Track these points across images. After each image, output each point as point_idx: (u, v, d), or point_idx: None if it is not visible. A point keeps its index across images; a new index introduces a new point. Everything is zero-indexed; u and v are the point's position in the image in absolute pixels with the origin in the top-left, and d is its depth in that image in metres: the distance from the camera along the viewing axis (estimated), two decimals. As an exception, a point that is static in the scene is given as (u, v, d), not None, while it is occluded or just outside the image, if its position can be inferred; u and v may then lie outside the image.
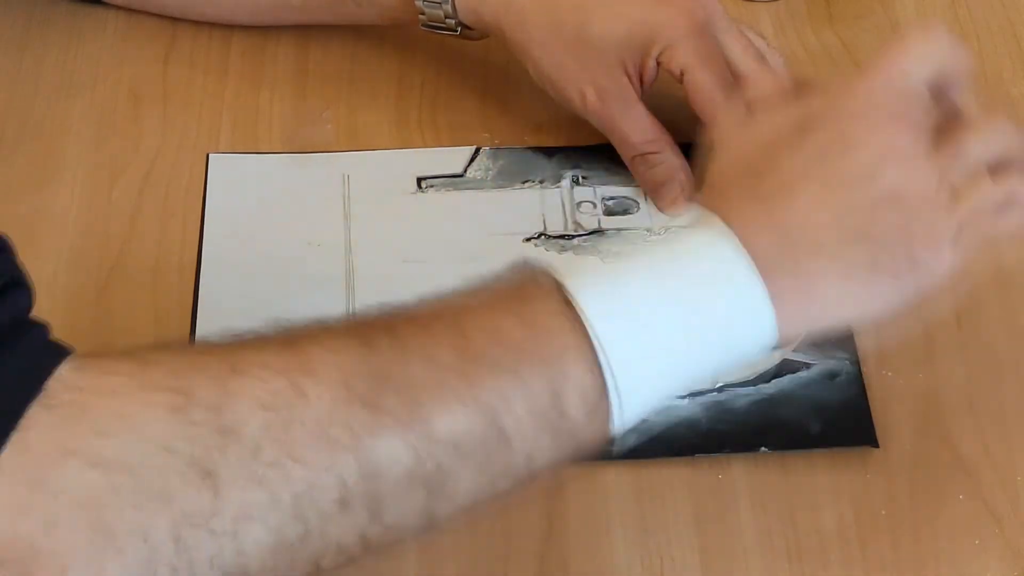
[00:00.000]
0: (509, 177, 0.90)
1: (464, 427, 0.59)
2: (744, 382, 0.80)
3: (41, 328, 0.59)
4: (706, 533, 0.75)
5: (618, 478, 0.77)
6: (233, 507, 0.56)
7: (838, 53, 0.97)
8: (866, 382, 0.80)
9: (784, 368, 0.81)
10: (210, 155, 0.91)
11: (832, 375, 0.81)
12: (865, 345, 0.82)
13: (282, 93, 0.95)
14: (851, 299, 0.65)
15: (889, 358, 0.82)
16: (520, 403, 0.60)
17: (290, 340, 0.60)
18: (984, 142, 0.67)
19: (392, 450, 0.58)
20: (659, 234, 0.65)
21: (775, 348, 0.65)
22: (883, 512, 0.76)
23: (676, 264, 0.64)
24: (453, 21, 0.89)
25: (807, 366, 0.81)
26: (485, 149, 0.92)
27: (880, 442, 0.78)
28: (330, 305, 0.84)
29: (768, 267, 0.63)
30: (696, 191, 0.70)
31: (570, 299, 0.62)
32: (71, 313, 0.84)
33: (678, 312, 0.63)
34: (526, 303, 0.62)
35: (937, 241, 0.65)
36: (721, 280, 0.63)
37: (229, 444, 0.56)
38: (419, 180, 0.90)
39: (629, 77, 0.84)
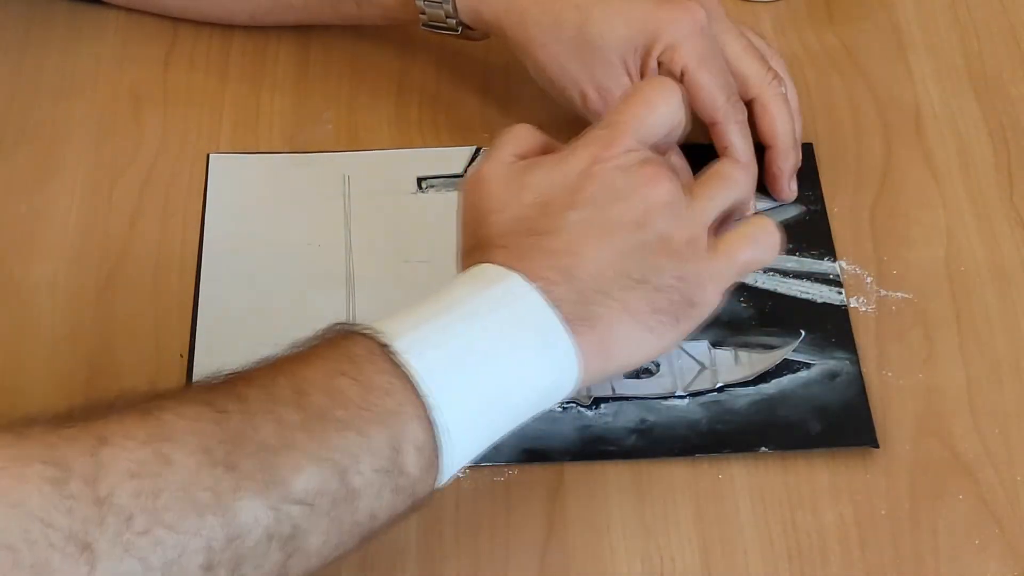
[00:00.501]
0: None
1: (315, 484, 0.62)
2: (744, 382, 0.80)
3: None
4: (706, 533, 0.75)
5: (618, 478, 0.77)
6: None
7: (838, 54, 0.97)
8: (866, 382, 0.80)
9: (784, 368, 0.81)
10: (210, 155, 0.91)
11: (832, 375, 0.81)
12: (865, 345, 0.82)
13: (282, 93, 0.95)
14: (638, 340, 0.71)
15: (889, 358, 0.82)
16: (365, 460, 0.63)
17: (146, 410, 0.61)
18: (729, 188, 0.75)
19: (253, 511, 0.60)
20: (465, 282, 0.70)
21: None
22: (883, 512, 0.76)
23: (491, 319, 0.68)
24: (454, 21, 0.89)
25: (807, 366, 0.81)
26: (485, 149, 0.92)
27: (880, 442, 0.78)
28: (330, 304, 0.84)
29: (569, 318, 0.69)
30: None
31: (396, 359, 0.65)
32: (72, 313, 0.84)
33: (496, 365, 0.67)
34: (357, 365, 0.65)
35: (705, 282, 0.72)
36: (534, 332, 0.68)
37: (105, 515, 0.57)
38: (419, 180, 0.90)
39: (630, 77, 0.85)
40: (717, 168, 0.76)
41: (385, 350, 0.65)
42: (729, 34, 0.85)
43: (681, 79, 0.83)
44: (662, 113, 0.75)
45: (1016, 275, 0.86)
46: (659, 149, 0.76)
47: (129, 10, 0.98)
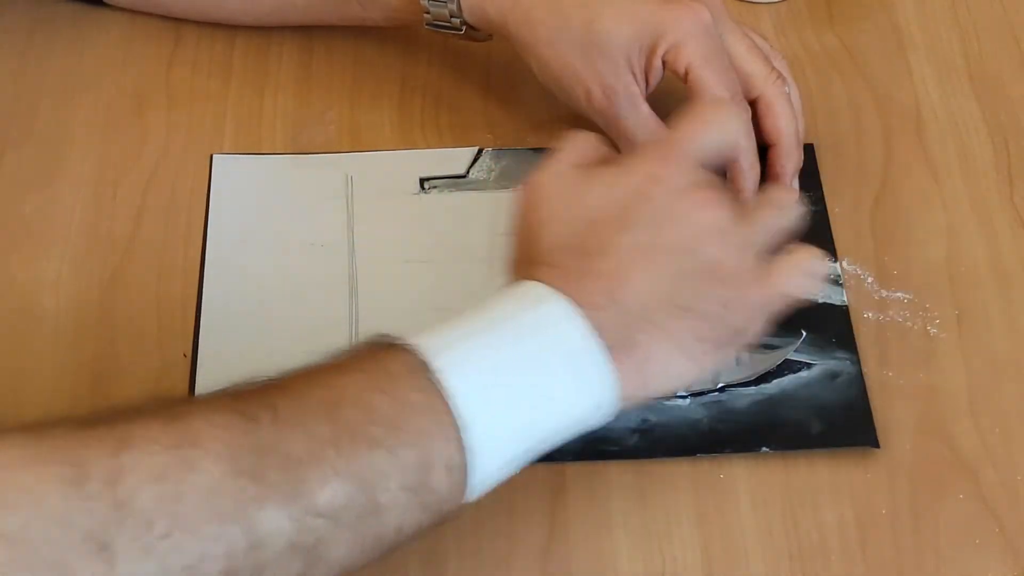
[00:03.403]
0: (512, 178, 0.90)
1: (341, 499, 0.62)
2: (745, 382, 0.81)
3: None
4: (708, 532, 0.76)
5: (620, 477, 0.78)
6: None
7: (839, 54, 0.97)
8: (867, 382, 0.81)
9: (785, 368, 0.81)
10: (214, 156, 0.92)
11: (833, 375, 0.81)
12: (866, 345, 0.82)
13: (285, 94, 0.95)
14: (679, 367, 0.71)
15: (890, 358, 0.82)
16: (393, 478, 0.63)
17: (174, 415, 0.61)
18: (781, 216, 0.74)
19: (276, 522, 0.60)
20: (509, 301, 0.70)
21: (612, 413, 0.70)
22: (883, 511, 0.76)
23: (532, 342, 0.67)
24: (458, 20, 0.89)
25: (808, 366, 0.81)
26: (488, 150, 0.92)
27: (881, 442, 0.78)
28: (333, 305, 0.84)
29: (610, 343, 0.68)
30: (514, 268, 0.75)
31: (434, 378, 0.64)
32: (75, 313, 0.84)
33: (534, 390, 0.67)
34: (393, 380, 0.65)
35: (751, 310, 0.72)
36: (572, 358, 0.68)
37: (125, 517, 0.57)
38: (422, 181, 0.90)
39: (634, 76, 0.85)
40: (767, 196, 0.75)
41: (424, 367, 0.65)
42: (733, 34, 0.86)
43: (685, 79, 0.83)
44: (720, 134, 0.75)
45: (1016, 275, 0.86)
46: (717, 170, 0.75)
47: (132, 12, 0.99)
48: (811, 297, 0.74)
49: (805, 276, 0.73)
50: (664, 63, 0.84)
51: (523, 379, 0.67)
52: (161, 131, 0.93)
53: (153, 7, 0.98)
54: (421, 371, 0.65)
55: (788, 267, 0.73)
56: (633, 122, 0.86)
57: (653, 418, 0.79)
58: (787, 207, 0.74)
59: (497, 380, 0.66)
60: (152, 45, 0.98)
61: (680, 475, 0.78)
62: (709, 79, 0.83)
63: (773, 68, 0.86)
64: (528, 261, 0.72)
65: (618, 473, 0.78)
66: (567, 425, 0.69)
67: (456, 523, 0.75)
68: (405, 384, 0.65)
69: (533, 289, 0.69)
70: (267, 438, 0.61)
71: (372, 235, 0.88)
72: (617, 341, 0.68)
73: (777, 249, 0.73)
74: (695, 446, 0.78)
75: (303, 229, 0.88)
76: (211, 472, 0.59)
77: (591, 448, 0.78)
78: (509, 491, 0.76)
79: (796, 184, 0.88)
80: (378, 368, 0.65)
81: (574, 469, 0.78)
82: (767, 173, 0.87)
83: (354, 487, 0.62)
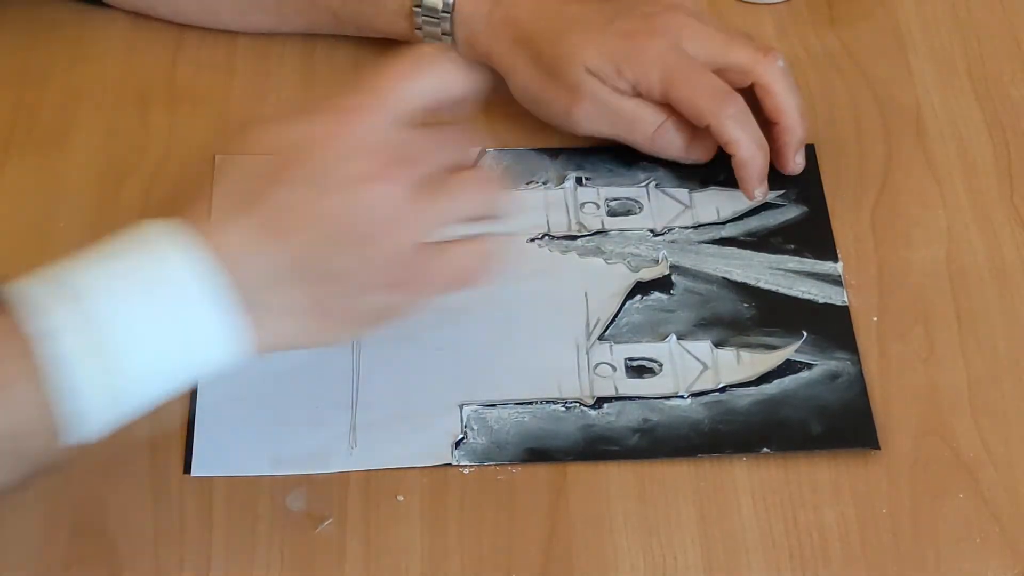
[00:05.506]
0: (513, 178, 0.90)
1: None
2: (746, 383, 0.81)
3: None
4: (709, 532, 0.76)
5: (621, 478, 0.78)
6: None
7: (840, 55, 0.97)
8: (867, 382, 0.81)
9: (786, 368, 0.81)
10: (216, 157, 0.92)
11: (834, 376, 0.81)
12: (866, 345, 0.83)
13: (287, 95, 0.95)
14: (304, 327, 0.68)
15: (890, 358, 0.82)
16: None
17: None
18: (464, 202, 0.70)
19: None
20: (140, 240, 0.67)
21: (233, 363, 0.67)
22: (884, 511, 0.77)
23: (147, 286, 0.65)
24: (450, 38, 0.91)
25: (809, 367, 0.81)
26: (490, 150, 0.92)
27: (881, 441, 0.78)
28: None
29: (232, 293, 0.65)
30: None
31: (19, 321, 0.63)
32: (79, 314, 0.84)
33: (143, 337, 0.64)
34: None
35: (399, 290, 0.69)
36: (187, 303, 0.65)
37: None
38: (424, 181, 0.90)
39: (602, 80, 0.86)
40: (456, 178, 0.70)
41: (18, 310, 0.63)
42: (704, 37, 0.86)
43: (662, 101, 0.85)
44: (422, 86, 0.70)
45: (1016, 275, 0.86)
46: (436, 119, 0.71)
47: (136, 13, 0.99)
48: (465, 287, 0.71)
49: (455, 271, 0.70)
50: (638, 92, 0.85)
51: (130, 325, 0.64)
52: (164, 132, 0.93)
53: (152, 11, 0.98)
54: (15, 314, 0.63)
55: (445, 257, 0.69)
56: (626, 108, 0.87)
57: (654, 418, 0.79)
58: (470, 194, 0.70)
59: (99, 323, 0.63)
60: (155, 46, 0.98)
61: (681, 475, 0.78)
62: (681, 96, 0.85)
63: (759, 47, 0.86)
64: (196, 199, 0.70)
65: (619, 473, 0.78)
66: (178, 376, 0.66)
67: (458, 522, 0.76)
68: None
69: (164, 227, 0.67)
70: None
71: (374, 236, 0.88)
72: (243, 292, 0.66)
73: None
74: (696, 446, 0.79)
75: (305, 230, 0.88)
76: None
77: (592, 448, 0.78)
78: (510, 490, 0.77)
79: (800, 157, 0.88)
80: None
81: (574, 469, 0.78)
82: (771, 149, 0.87)
83: None
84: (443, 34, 0.90)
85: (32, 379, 0.63)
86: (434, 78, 0.70)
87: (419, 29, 0.91)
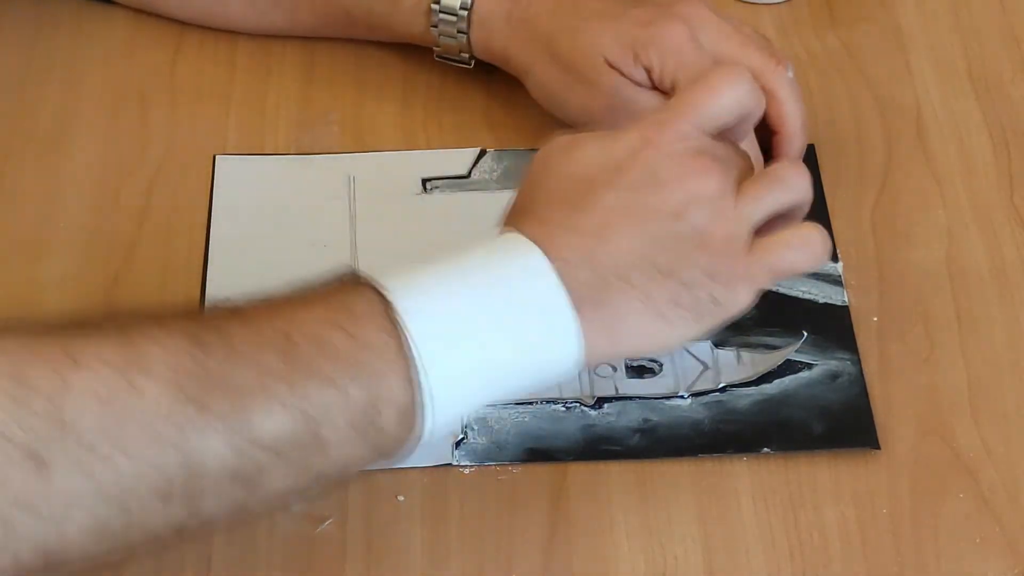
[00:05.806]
0: (514, 178, 0.90)
1: (286, 433, 0.62)
2: (747, 382, 0.81)
3: None
4: (709, 532, 0.76)
5: (622, 477, 0.78)
6: (62, 495, 0.58)
7: (840, 56, 0.97)
8: (867, 382, 0.81)
9: (787, 368, 0.81)
10: (216, 157, 0.92)
11: (834, 376, 0.81)
12: (866, 346, 0.83)
13: (288, 95, 0.95)
14: (651, 332, 0.70)
15: (890, 358, 0.82)
16: (341, 415, 0.63)
17: (126, 335, 0.61)
18: (780, 191, 0.73)
19: (216, 449, 0.61)
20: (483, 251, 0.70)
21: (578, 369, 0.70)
22: (884, 511, 0.77)
23: (499, 291, 0.68)
24: (467, 56, 0.92)
25: (809, 367, 0.81)
26: (490, 150, 0.92)
27: (881, 441, 0.78)
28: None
29: (580, 299, 0.68)
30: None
31: (396, 319, 0.65)
32: (79, 313, 0.84)
33: (496, 338, 0.67)
34: (353, 318, 0.65)
35: (736, 282, 0.71)
36: (539, 311, 0.68)
37: (66, 436, 0.58)
38: (424, 181, 0.90)
39: (620, 72, 0.86)
40: (771, 169, 0.75)
41: (387, 308, 0.65)
42: (720, 33, 0.86)
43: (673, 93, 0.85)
44: (727, 100, 0.74)
45: (1016, 275, 0.86)
46: (731, 137, 0.75)
47: (136, 10, 0.99)
48: (804, 272, 0.74)
49: (795, 252, 0.72)
50: (652, 80, 0.85)
51: (486, 327, 0.67)
52: (164, 131, 0.93)
53: (155, 8, 0.98)
54: (383, 311, 0.65)
55: (778, 243, 0.72)
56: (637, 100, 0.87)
57: (655, 418, 0.80)
58: (791, 183, 0.74)
59: (459, 327, 0.66)
60: (156, 44, 0.98)
61: (681, 475, 0.78)
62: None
63: (771, 55, 0.86)
64: (518, 213, 0.72)
65: (619, 473, 0.78)
66: (528, 376, 0.69)
67: (459, 522, 0.76)
68: (366, 323, 0.65)
69: (510, 240, 0.70)
70: (217, 366, 0.61)
71: (374, 235, 0.88)
72: (588, 298, 0.68)
73: (783, 224, 0.73)
74: (696, 446, 0.79)
75: (306, 229, 0.88)
76: (156, 397, 0.60)
77: (593, 448, 0.78)
78: (511, 490, 0.77)
79: None
80: (341, 305, 0.65)
81: (575, 469, 0.78)
82: (770, 158, 0.87)
83: (299, 421, 0.62)
84: (458, 32, 0.90)
85: (403, 375, 0.64)
86: (734, 96, 0.74)
87: (435, 27, 0.91)
